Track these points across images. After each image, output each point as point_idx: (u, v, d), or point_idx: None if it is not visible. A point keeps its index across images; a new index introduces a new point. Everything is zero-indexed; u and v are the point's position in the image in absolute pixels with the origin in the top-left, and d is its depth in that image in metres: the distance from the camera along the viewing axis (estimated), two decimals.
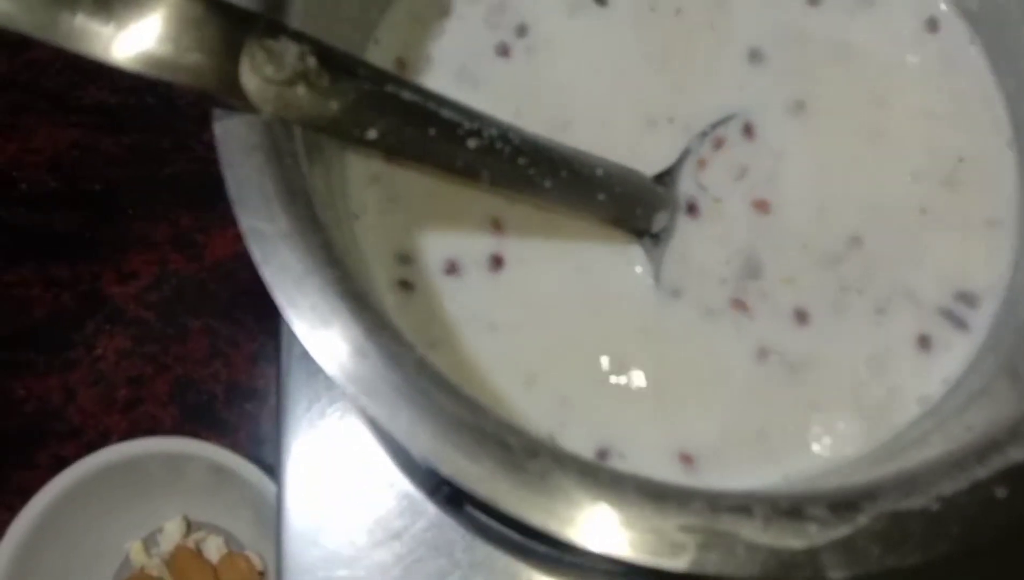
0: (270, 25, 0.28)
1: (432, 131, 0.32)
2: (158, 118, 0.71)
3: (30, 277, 0.68)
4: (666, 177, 0.40)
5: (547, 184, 0.35)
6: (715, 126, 0.41)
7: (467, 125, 0.32)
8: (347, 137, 0.31)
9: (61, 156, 0.71)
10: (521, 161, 0.34)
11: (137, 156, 0.70)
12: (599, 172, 0.37)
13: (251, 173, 0.29)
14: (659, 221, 0.39)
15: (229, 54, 0.28)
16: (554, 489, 0.27)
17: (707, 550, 0.27)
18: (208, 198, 0.68)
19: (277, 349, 0.48)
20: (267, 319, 0.64)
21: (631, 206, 0.39)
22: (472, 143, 0.32)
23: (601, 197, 0.37)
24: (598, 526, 0.27)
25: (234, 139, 0.30)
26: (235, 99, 0.28)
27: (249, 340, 0.66)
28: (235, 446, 0.60)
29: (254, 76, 0.28)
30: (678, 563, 0.27)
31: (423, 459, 0.27)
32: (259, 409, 0.65)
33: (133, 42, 0.27)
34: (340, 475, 0.46)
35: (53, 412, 0.66)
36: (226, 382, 0.66)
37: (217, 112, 0.30)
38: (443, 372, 0.29)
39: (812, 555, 0.26)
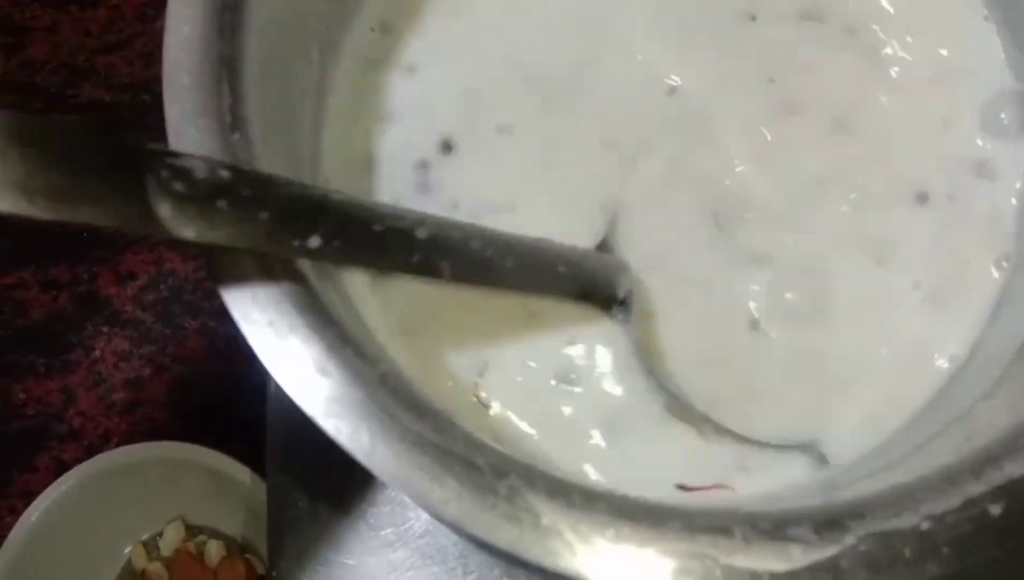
0: (165, 149, 0.26)
1: (377, 227, 0.29)
2: (153, 116, 0.70)
3: (29, 279, 0.68)
4: (604, 247, 0.38)
5: (509, 264, 0.33)
6: None
7: (410, 217, 0.30)
8: (287, 250, 0.27)
9: None
10: (475, 245, 0.32)
11: None
12: (552, 245, 0.35)
13: None
14: (623, 285, 0.37)
15: (131, 179, 0.24)
16: (523, 511, 0.26)
17: (684, 574, 0.25)
18: None
19: None
20: None
21: (592, 273, 0.37)
22: (422, 233, 0.30)
23: (562, 269, 0.35)
24: (568, 549, 0.26)
25: (189, 144, 0.29)
26: (149, 228, 0.25)
27: (245, 341, 0.65)
28: (233, 448, 0.59)
29: (165, 199, 0.24)
30: None
31: (385, 481, 0.26)
32: (258, 410, 0.64)
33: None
34: (331, 483, 0.45)
35: (53, 415, 0.65)
36: (224, 383, 0.65)
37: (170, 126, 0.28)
38: (410, 380, 0.28)
39: (795, 579, 0.25)
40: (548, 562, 0.26)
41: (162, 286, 0.67)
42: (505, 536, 0.26)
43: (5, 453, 0.65)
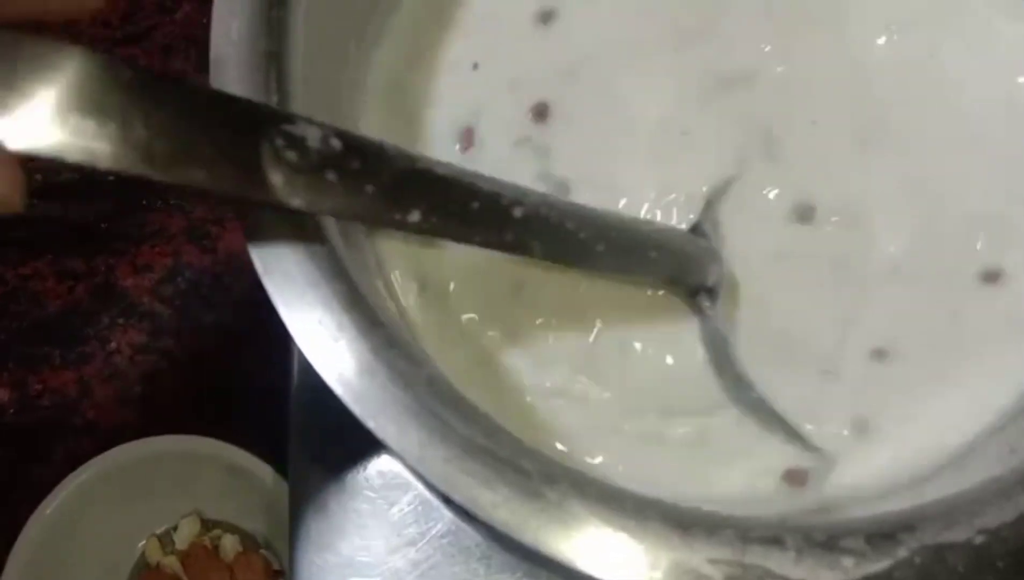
0: (281, 112, 0.26)
1: (475, 205, 0.29)
2: None
3: (45, 269, 0.68)
4: (698, 230, 0.38)
5: (600, 247, 0.33)
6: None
7: (508, 194, 0.30)
8: (388, 223, 0.28)
9: None
10: (569, 225, 0.32)
11: None
12: (644, 228, 0.36)
13: None
14: (713, 273, 0.36)
15: (247, 146, 0.24)
16: (572, 518, 0.26)
17: None
18: None
19: (289, 346, 0.47)
20: None
21: (684, 260, 0.36)
22: (518, 212, 0.30)
23: (653, 254, 0.35)
24: (619, 557, 0.25)
25: None
26: (260, 195, 0.25)
27: (263, 335, 0.65)
28: (249, 443, 0.59)
29: (278, 167, 0.25)
30: None
31: (434, 485, 0.26)
32: (274, 405, 0.64)
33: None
34: (354, 479, 0.45)
35: (69, 407, 0.65)
36: (240, 377, 0.65)
37: None
38: (456, 389, 0.28)
39: None
40: (597, 572, 0.25)
41: (179, 279, 0.67)
42: (554, 542, 0.26)
43: (21, 444, 0.64)
